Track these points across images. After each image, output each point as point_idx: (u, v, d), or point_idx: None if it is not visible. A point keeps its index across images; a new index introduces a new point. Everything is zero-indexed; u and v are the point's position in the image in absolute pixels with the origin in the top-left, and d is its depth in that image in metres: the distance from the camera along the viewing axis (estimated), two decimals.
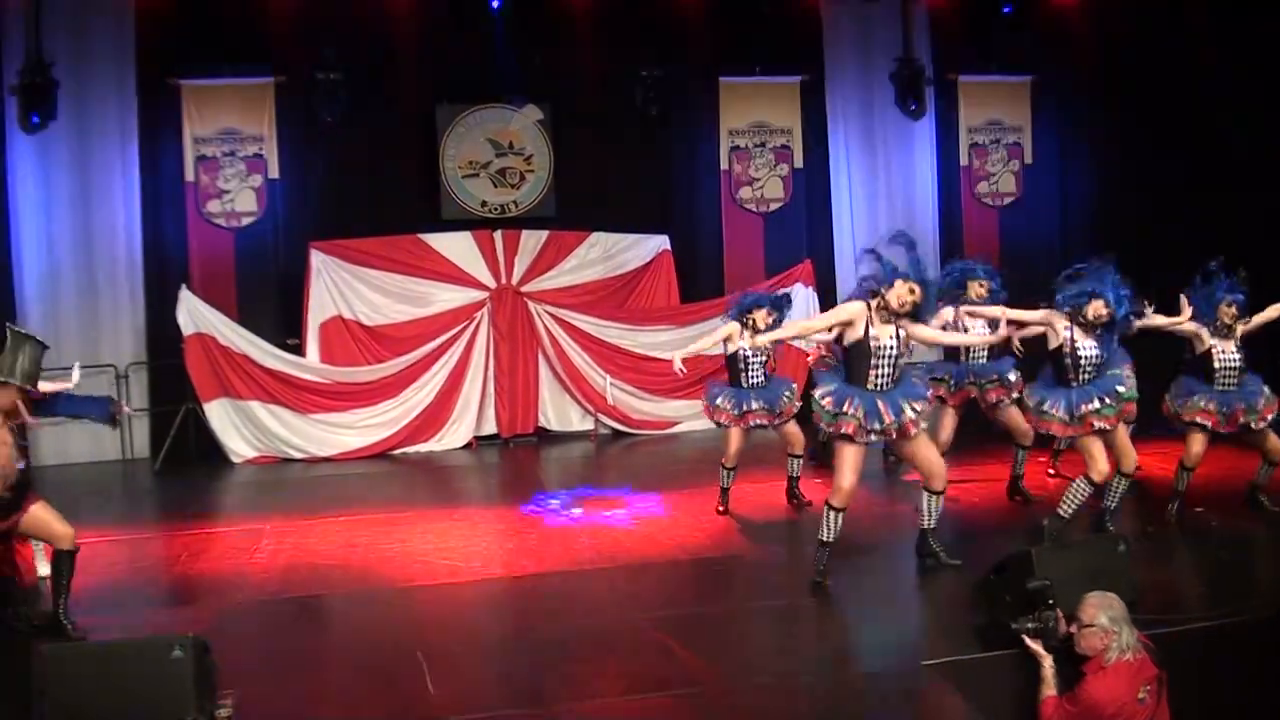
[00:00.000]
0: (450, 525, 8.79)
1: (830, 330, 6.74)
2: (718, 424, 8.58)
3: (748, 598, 6.74)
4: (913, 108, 14.15)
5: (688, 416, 12.78)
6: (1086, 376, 6.90)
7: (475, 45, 13.16)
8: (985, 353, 8.35)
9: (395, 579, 7.25)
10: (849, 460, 6.42)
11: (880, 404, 6.33)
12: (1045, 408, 6.95)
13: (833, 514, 6.52)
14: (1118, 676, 4.71)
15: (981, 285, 8.36)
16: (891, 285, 6.34)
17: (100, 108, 12.73)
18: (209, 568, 8.21)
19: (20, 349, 6.00)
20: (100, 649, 4.92)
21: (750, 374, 8.29)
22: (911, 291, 6.34)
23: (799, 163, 14.26)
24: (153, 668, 4.60)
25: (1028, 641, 4.98)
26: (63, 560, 6.17)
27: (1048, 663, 4.91)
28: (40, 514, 6.03)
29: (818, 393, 6.56)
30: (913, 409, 6.37)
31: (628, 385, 12.88)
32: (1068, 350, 6.91)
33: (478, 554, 7.94)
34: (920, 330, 6.52)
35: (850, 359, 6.41)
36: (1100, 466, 6.94)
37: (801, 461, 8.69)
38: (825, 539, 6.55)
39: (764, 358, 8.31)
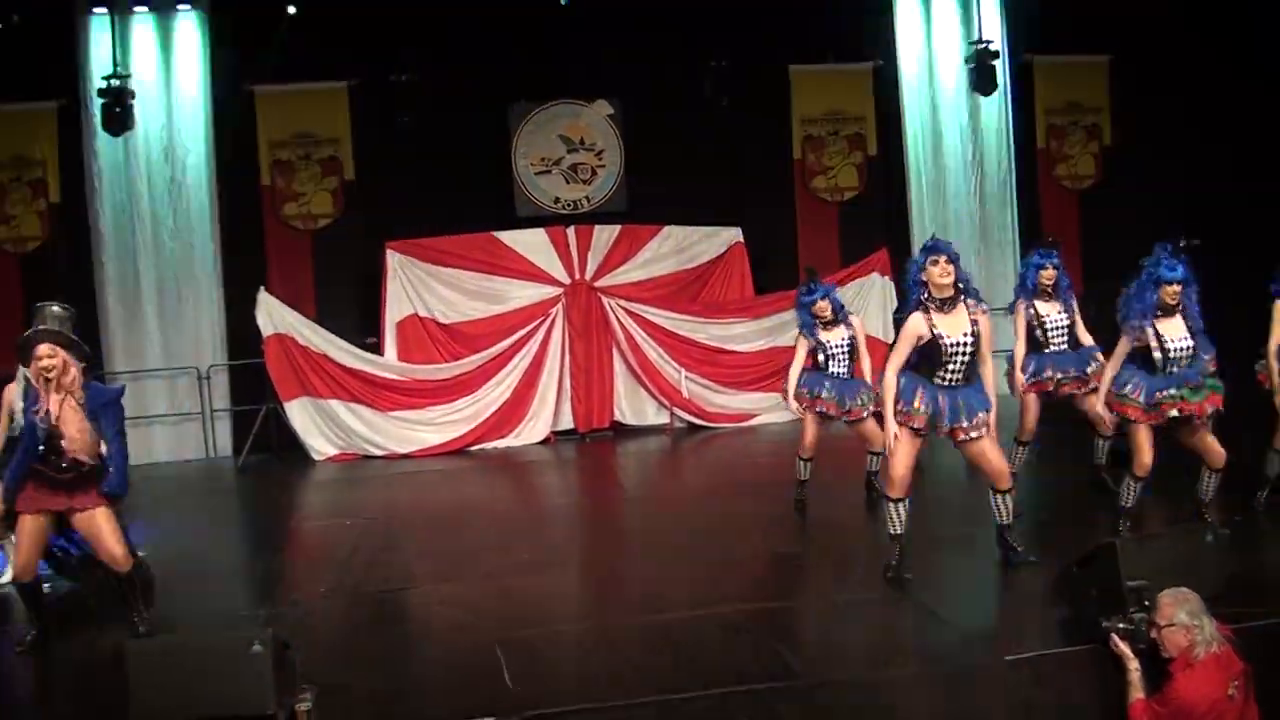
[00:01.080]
0: (528, 520, 8.80)
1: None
2: (795, 406, 8.48)
3: (831, 591, 6.63)
4: (988, 90, 13.88)
5: (765, 409, 12.67)
6: (1176, 369, 6.67)
7: (545, 42, 13.19)
8: (1066, 344, 8.11)
9: (474, 573, 7.25)
10: (902, 450, 6.30)
11: (942, 400, 6.20)
12: (1126, 390, 6.74)
13: (892, 506, 6.40)
14: (1207, 672, 4.54)
15: (1047, 270, 8.09)
16: (925, 271, 6.19)
17: (178, 114, 13.01)
18: (290, 563, 8.33)
19: (48, 316, 6.05)
20: (183, 644, 4.96)
21: (832, 364, 8.15)
22: (935, 263, 6.16)
23: (873, 150, 14.08)
24: (234, 663, 4.63)
25: (1116, 642, 4.80)
26: (123, 583, 6.22)
27: (1134, 665, 4.74)
28: (102, 523, 6.07)
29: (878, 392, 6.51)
30: (969, 418, 6.22)
31: (703, 378, 12.80)
32: (1156, 346, 6.68)
33: (556, 548, 7.93)
34: (984, 341, 6.29)
35: (923, 357, 6.27)
36: (1143, 460, 6.72)
37: (881, 458, 8.53)
38: (893, 532, 6.44)
39: (845, 347, 8.16)
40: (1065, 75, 14.31)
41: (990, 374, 6.31)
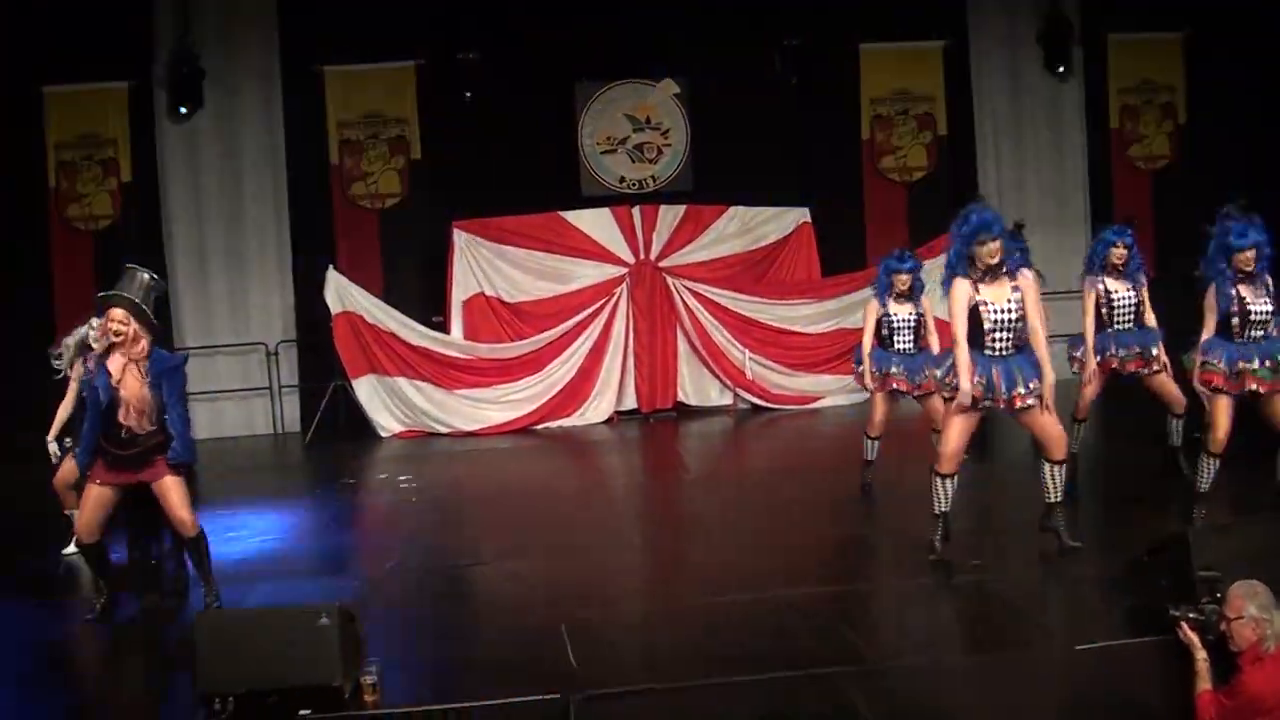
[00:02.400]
0: (592, 499, 8.81)
1: None
2: (864, 387, 8.40)
3: (897, 575, 6.55)
4: (1060, 69, 13.59)
5: (830, 391, 12.57)
6: (1256, 334, 6.49)
7: (611, 21, 13.12)
8: (1132, 321, 7.93)
9: (538, 551, 7.26)
10: (955, 424, 6.19)
11: (995, 371, 6.09)
12: (1209, 357, 6.57)
13: (939, 481, 6.30)
14: (1276, 667, 4.42)
15: (1118, 248, 7.91)
16: (972, 249, 6.06)
17: (246, 95, 13.18)
18: (357, 538, 8.42)
19: (134, 282, 6.12)
20: (251, 616, 5.04)
21: (897, 339, 8.06)
22: (982, 244, 6.03)
23: (942, 130, 13.86)
24: (301, 635, 4.69)
25: (1185, 631, 4.69)
26: (189, 547, 6.30)
27: (1202, 655, 4.62)
28: (171, 489, 6.16)
29: (939, 371, 6.40)
30: (1025, 384, 6.10)
31: (767, 360, 12.72)
32: (1236, 310, 6.51)
33: (620, 527, 7.93)
34: (1030, 303, 6.17)
35: (969, 327, 6.17)
36: (1219, 435, 6.54)
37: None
38: (937, 510, 6.34)
39: (911, 323, 8.06)
40: (1139, 52, 13.95)
41: (1041, 345, 6.18)
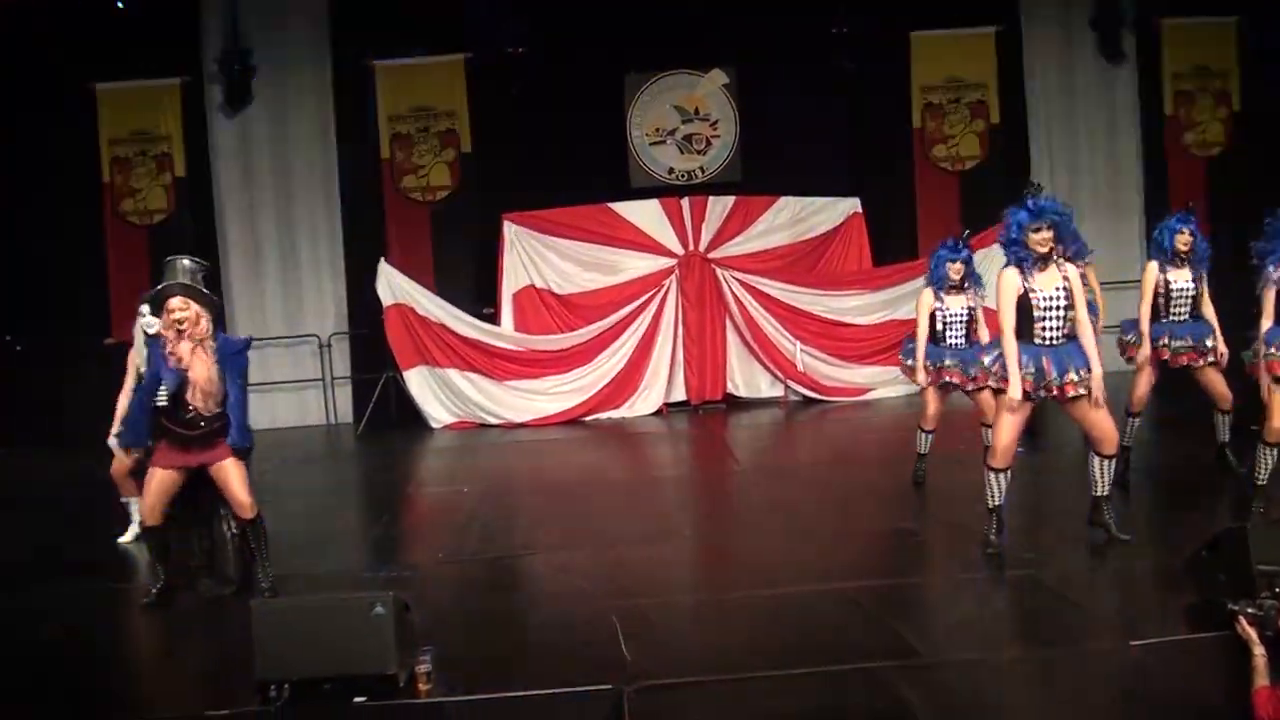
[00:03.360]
0: (642, 490, 8.81)
1: None
2: (913, 381, 8.34)
3: (950, 569, 6.49)
4: (1114, 55, 13.39)
5: (882, 383, 12.49)
6: None
7: (660, 11, 13.10)
8: (1188, 313, 7.79)
9: (589, 542, 7.28)
10: (1007, 418, 6.13)
11: (1045, 360, 6.04)
12: (1272, 346, 6.45)
13: (993, 475, 6.26)
14: None
15: (1183, 235, 7.76)
16: (1025, 234, 6.00)
17: (297, 90, 13.33)
18: (409, 527, 8.49)
19: (178, 270, 6.21)
20: (307, 605, 5.07)
21: (949, 333, 7.99)
22: (1037, 230, 5.98)
23: (995, 118, 13.71)
24: (356, 623, 4.72)
25: (1243, 626, 4.61)
26: (247, 530, 6.39)
27: (1260, 651, 4.54)
28: (231, 472, 6.26)
29: (987, 359, 6.36)
30: (1076, 373, 6.03)
31: (818, 351, 12.66)
32: None
33: (670, 519, 7.93)
34: (1075, 293, 6.10)
35: (1019, 316, 6.11)
36: (1275, 424, 6.44)
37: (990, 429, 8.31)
38: (991, 504, 6.30)
39: (964, 317, 7.99)
40: (1192, 37, 13.72)
41: (1087, 336, 6.11)
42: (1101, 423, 6.19)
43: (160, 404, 6.16)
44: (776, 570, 6.43)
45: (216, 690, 5.10)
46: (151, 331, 6.59)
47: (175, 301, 6.09)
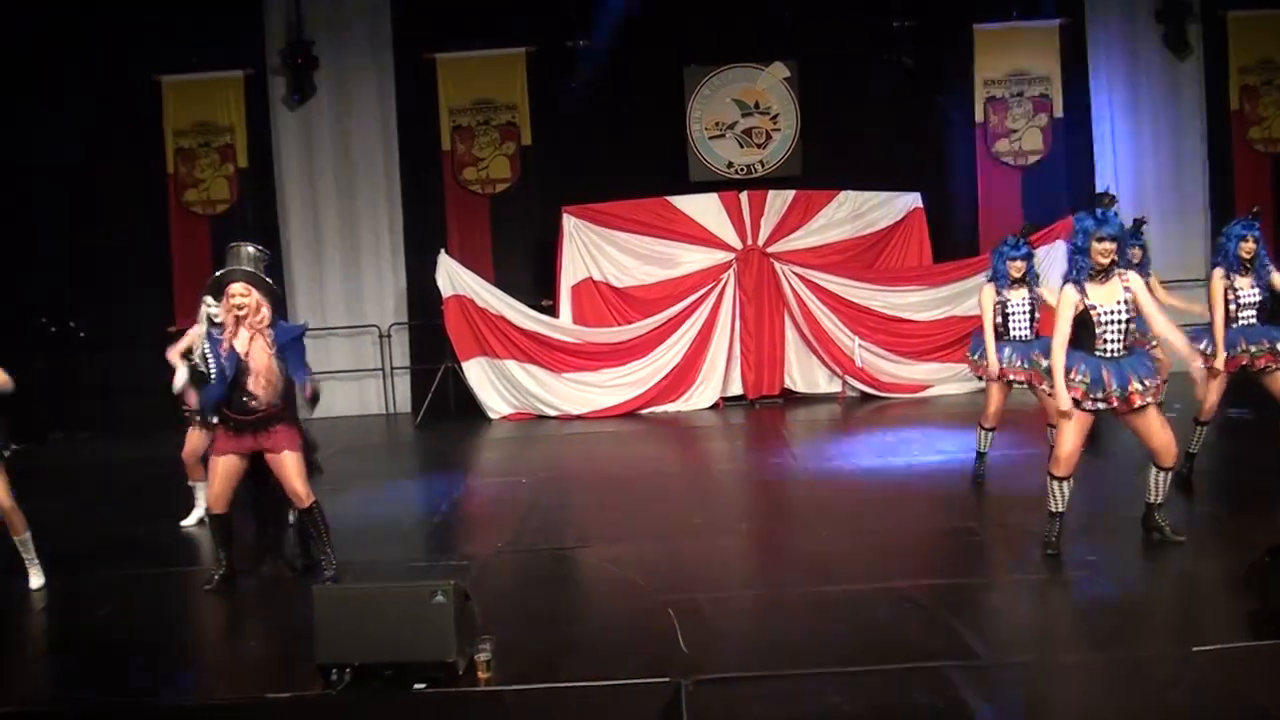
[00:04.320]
0: (698, 484, 8.81)
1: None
2: (980, 377, 8.27)
3: (1008, 570, 6.42)
4: (1179, 48, 13.16)
5: (942, 379, 12.39)
6: None
7: (721, 4, 13.08)
8: (1256, 317, 7.65)
9: (645, 535, 7.29)
10: (1069, 427, 6.09)
11: (1105, 372, 6.01)
12: None
13: (1055, 484, 6.22)
14: None
15: (1248, 242, 7.62)
16: (1089, 245, 5.96)
17: (359, 83, 13.50)
18: (467, 517, 8.56)
19: (242, 257, 6.29)
20: (368, 592, 5.13)
21: (1013, 326, 7.91)
22: (1100, 241, 5.95)
23: (1059, 112, 13.55)
24: (417, 611, 4.77)
25: None
26: (305, 518, 6.47)
27: None
28: (289, 462, 6.33)
29: (1044, 362, 6.29)
30: (1140, 382, 5.97)
31: (877, 347, 12.57)
32: None
33: (726, 513, 7.92)
34: (1144, 302, 6.05)
35: (1077, 329, 6.07)
36: None
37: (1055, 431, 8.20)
38: (1053, 509, 6.26)
39: (1027, 308, 7.91)
40: (1259, 30, 13.43)
41: (1164, 329, 6.11)
42: (1161, 435, 6.15)
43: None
44: (834, 567, 6.40)
45: (277, 674, 5.18)
46: (218, 320, 6.69)
47: (237, 287, 6.18)
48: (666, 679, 4.69)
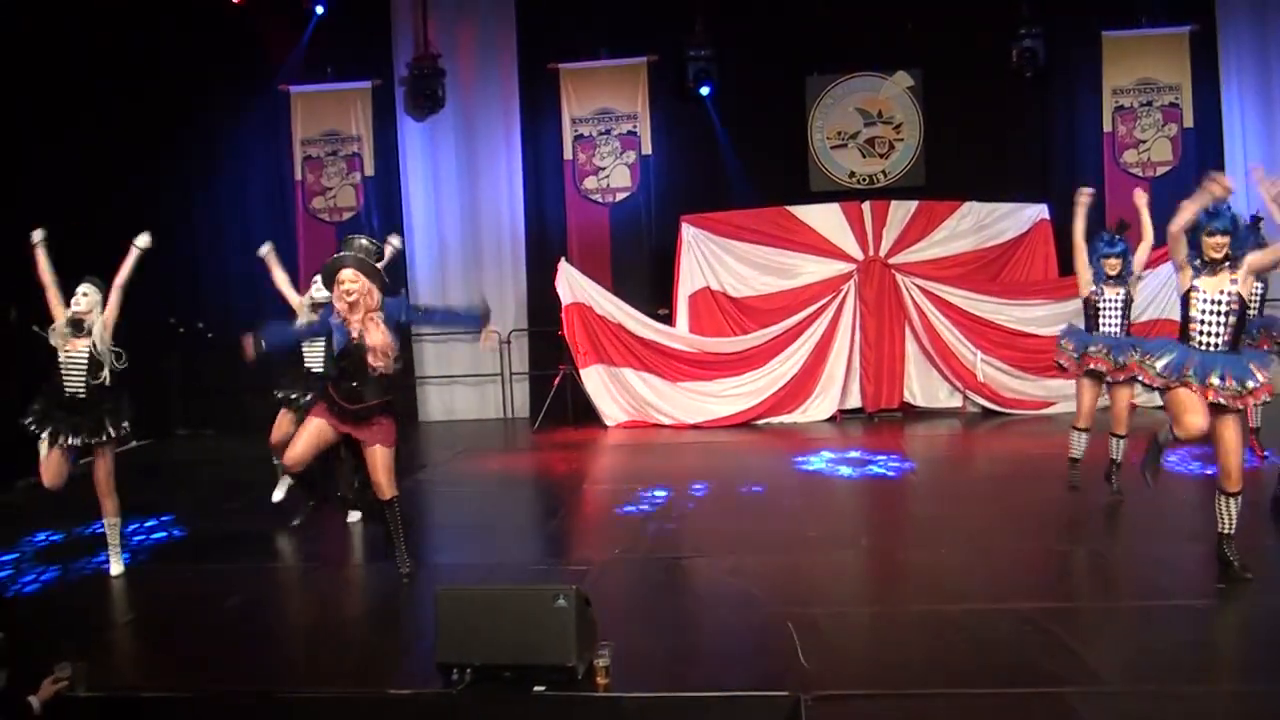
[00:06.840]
0: (815, 497, 8.76)
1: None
2: (1058, 365, 8.10)
3: (1133, 594, 6.24)
4: None
5: (1064, 397, 12.02)
6: None
7: (845, 14, 13.02)
8: None
9: (761, 546, 7.27)
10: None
11: (1191, 358, 5.93)
12: None
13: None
14: None
15: None
16: (1199, 236, 5.94)
17: (484, 94, 13.76)
18: (584, 522, 8.64)
19: (354, 246, 6.47)
20: (490, 594, 5.22)
21: (1104, 320, 7.74)
22: (1211, 234, 5.89)
23: (1189, 122, 13.17)
24: (538, 614, 4.84)
25: None
26: (385, 510, 6.61)
27: None
28: (379, 456, 6.48)
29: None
30: (1222, 379, 5.83)
31: (1000, 362, 12.34)
32: None
33: (844, 527, 7.87)
34: (1259, 255, 5.94)
35: (1181, 313, 6.07)
36: None
37: (1123, 444, 7.93)
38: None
39: (1120, 303, 7.73)
40: None
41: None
42: (1230, 454, 5.95)
43: (329, 373, 6.54)
44: (953, 585, 6.31)
45: (398, 671, 5.30)
46: (320, 299, 7.16)
47: (346, 274, 6.35)
48: (786, 693, 4.70)
